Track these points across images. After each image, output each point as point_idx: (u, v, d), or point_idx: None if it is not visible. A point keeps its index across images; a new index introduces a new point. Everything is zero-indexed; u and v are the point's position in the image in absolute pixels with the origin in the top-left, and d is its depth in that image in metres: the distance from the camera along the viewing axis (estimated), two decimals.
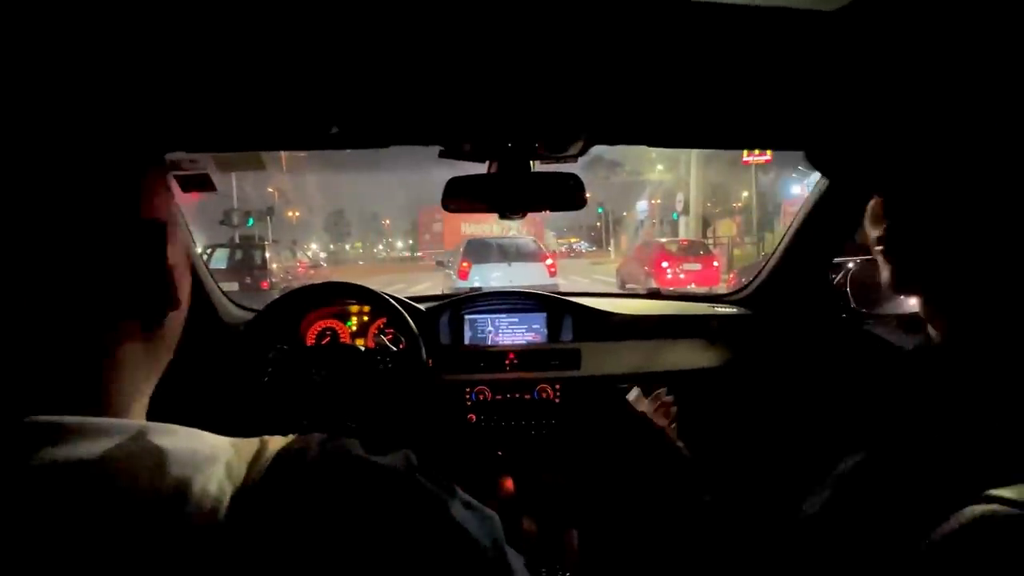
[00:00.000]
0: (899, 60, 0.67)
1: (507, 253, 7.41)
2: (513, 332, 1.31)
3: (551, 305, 1.32)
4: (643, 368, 1.25)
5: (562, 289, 1.88)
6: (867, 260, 1.36)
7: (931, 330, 0.52)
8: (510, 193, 1.01)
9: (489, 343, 1.30)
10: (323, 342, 1.26)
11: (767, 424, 1.25)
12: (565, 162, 1.00)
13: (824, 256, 1.26)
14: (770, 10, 0.62)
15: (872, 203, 0.53)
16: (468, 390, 1.23)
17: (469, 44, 0.63)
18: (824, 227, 1.21)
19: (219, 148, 0.98)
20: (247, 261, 8.72)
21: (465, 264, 7.16)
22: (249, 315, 1.29)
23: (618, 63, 0.72)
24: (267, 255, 8.85)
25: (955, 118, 0.49)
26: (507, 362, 1.25)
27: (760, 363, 1.30)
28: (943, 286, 0.48)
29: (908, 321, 1.27)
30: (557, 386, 1.24)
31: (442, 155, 1.00)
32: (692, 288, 10.17)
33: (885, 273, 0.53)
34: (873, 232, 0.53)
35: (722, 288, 9.94)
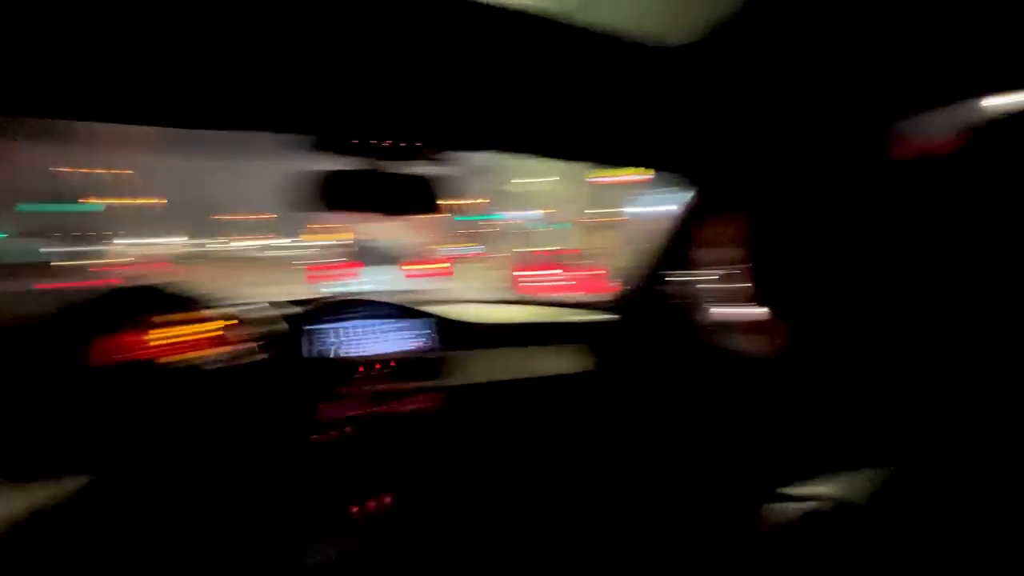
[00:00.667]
0: (746, 89, 0.73)
1: (376, 255, 7.26)
2: (382, 341, 1.21)
3: (411, 313, 1.24)
4: (512, 376, 1.23)
5: (445, 295, 1.83)
6: (721, 270, 1.49)
7: (773, 338, 0.55)
8: (360, 191, 0.94)
9: (339, 354, 1.18)
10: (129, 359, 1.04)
11: (636, 425, 1.30)
12: (433, 164, 0.96)
13: (684, 265, 1.35)
14: (630, 41, 0.63)
15: (734, 222, 0.55)
16: (314, 408, 1.11)
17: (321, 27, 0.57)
18: (685, 239, 1.30)
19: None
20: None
21: (353, 267, 6.89)
22: None
23: (474, 72, 0.70)
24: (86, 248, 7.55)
25: (791, 144, 0.53)
26: (358, 375, 1.15)
27: (628, 367, 1.35)
28: (794, 300, 0.51)
29: (752, 326, 1.40)
30: (417, 399, 1.16)
31: (315, 146, 0.90)
32: (579, 295, 10.66)
33: (744, 285, 0.55)
34: (732, 248, 0.55)
35: (606, 296, 10.63)
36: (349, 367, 1.14)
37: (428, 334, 1.23)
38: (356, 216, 0.95)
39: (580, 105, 0.82)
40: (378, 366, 1.16)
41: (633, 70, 0.70)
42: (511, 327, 1.31)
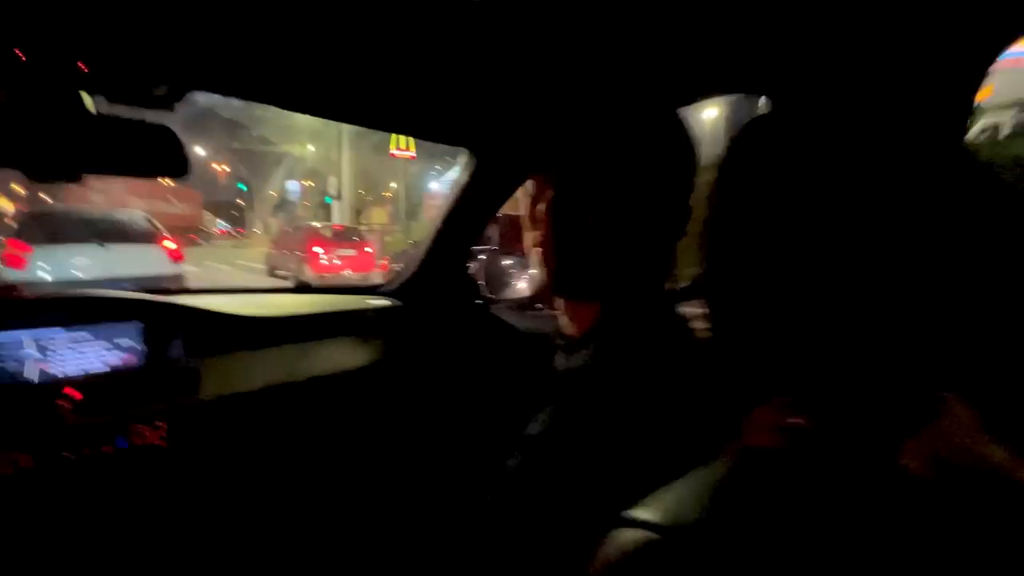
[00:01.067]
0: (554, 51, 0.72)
1: (99, 231, 5.12)
2: (82, 355, 0.88)
3: (148, 310, 0.95)
4: (284, 378, 1.06)
5: (192, 281, 1.44)
6: (493, 251, 1.56)
7: (566, 321, 0.55)
8: (49, 142, 0.64)
9: (32, 377, 0.83)
10: None
11: (428, 415, 1.27)
12: (144, 108, 0.70)
13: (465, 247, 1.35)
14: None
15: (533, 206, 0.54)
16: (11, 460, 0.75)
17: None
18: (466, 221, 1.30)
19: None
20: None
21: (16, 246, 4.80)
22: None
23: None
24: None
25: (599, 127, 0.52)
26: (64, 403, 0.83)
27: (413, 354, 1.30)
28: (599, 289, 0.51)
29: (525, 305, 1.51)
30: (162, 424, 0.90)
31: None
32: (348, 274, 10.15)
33: (540, 272, 0.54)
34: (532, 233, 0.54)
35: (376, 275, 10.33)
36: (35, 398, 0.80)
37: (173, 337, 0.95)
38: (41, 180, 0.64)
39: (350, 45, 0.69)
40: (72, 392, 0.84)
41: (416, 15, 0.61)
42: (281, 320, 1.12)
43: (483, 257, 1.48)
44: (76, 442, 0.82)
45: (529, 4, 0.60)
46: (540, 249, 0.54)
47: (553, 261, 0.53)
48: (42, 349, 0.84)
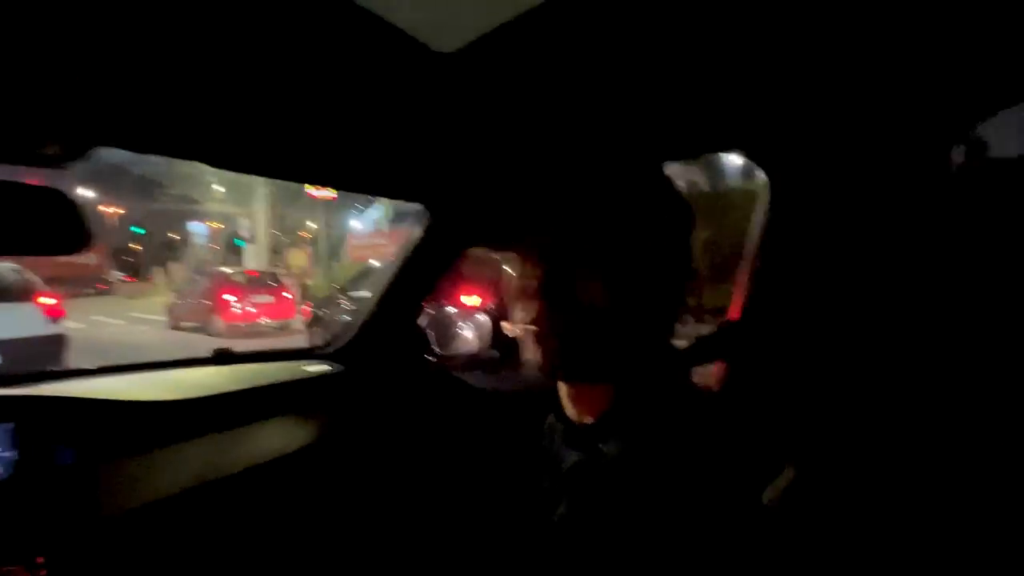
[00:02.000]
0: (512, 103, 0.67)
1: None
2: None
3: (20, 407, 0.75)
4: (213, 474, 0.88)
5: (82, 343, 1.18)
6: (441, 306, 1.47)
7: (571, 407, 0.51)
8: None
9: None
10: None
11: (384, 491, 1.12)
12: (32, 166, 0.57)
13: (415, 305, 1.25)
14: (389, 29, 0.49)
15: (522, 282, 0.47)
16: None
17: None
18: (417, 278, 1.21)
19: None
20: None
21: None
22: None
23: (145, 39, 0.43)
24: None
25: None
26: None
27: (361, 425, 1.16)
28: (613, 369, 0.47)
29: (478, 361, 1.43)
30: (39, 562, 0.69)
31: None
32: (265, 322, 9.45)
33: (534, 354, 0.48)
34: (523, 312, 0.48)
35: (296, 322, 9.68)
36: None
37: (62, 437, 0.75)
38: None
39: (298, 96, 0.61)
40: None
41: (383, 68, 0.55)
42: (201, 403, 0.94)
43: (432, 312, 1.39)
44: None
45: (497, 59, 0.56)
46: (534, 329, 0.48)
47: (554, 342, 0.47)
48: None
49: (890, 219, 0.64)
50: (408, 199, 1.11)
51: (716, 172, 7.53)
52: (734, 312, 0.77)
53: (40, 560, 0.68)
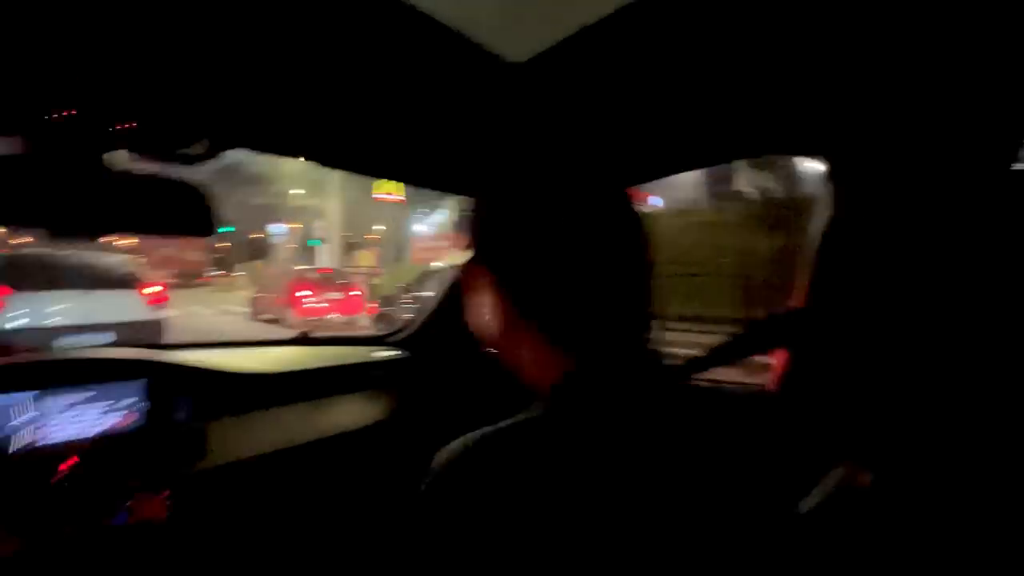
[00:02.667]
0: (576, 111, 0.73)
1: (79, 275, 4.95)
2: (82, 418, 0.83)
3: (152, 369, 0.90)
4: (294, 440, 1.00)
5: (176, 328, 1.38)
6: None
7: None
8: (70, 200, 0.62)
9: (24, 444, 0.77)
10: None
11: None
12: (169, 163, 0.69)
13: None
14: (461, 40, 0.56)
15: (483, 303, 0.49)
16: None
17: None
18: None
19: None
20: None
21: None
22: None
23: (279, 42, 0.52)
24: None
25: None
26: (62, 473, 0.76)
27: (424, 407, 1.26)
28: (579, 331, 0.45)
29: None
30: (166, 494, 0.83)
31: None
32: (335, 318, 10.01)
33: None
34: (493, 331, 0.49)
35: (365, 318, 10.19)
36: (32, 468, 0.74)
37: (178, 397, 0.90)
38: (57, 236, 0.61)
39: (392, 108, 0.69)
40: (73, 461, 0.78)
41: (463, 81, 0.62)
42: (286, 377, 1.07)
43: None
44: (75, 517, 0.75)
45: (562, 68, 0.61)
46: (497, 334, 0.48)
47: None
48: (40, 413, 0.79)
49: (956, 216, 0.62)
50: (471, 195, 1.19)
51: (791, 178, 7.16)
52: (796, 301, 0.76)
53: (167, 493, 0.82)
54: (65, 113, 0.56)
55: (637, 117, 0.74)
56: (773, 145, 0.96)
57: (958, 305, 0.59)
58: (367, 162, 0.92)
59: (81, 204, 0.61)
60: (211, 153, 0.66)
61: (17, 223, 0.62)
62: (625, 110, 0.71)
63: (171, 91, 0.57)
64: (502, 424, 0.42)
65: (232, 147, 0.70)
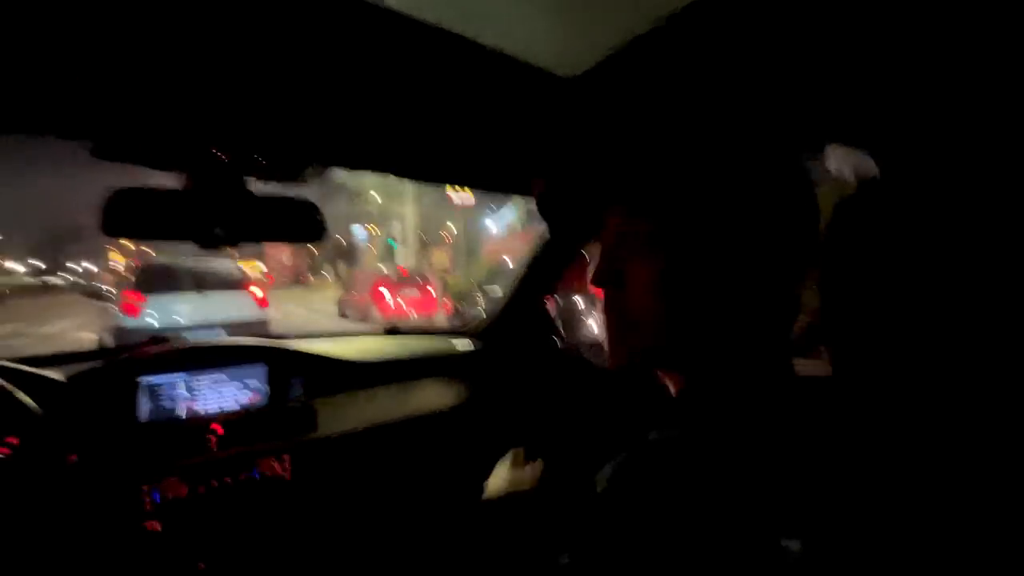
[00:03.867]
0: (627, 126, 0.79)
1: (199, 279, 5.65)
2: (220, 394, 1.01)
3: (271, 355, 1.08)
4: (386, 418, 1.15)
5: (276, 324, 1.60)
6: (567, 295, 1.61)
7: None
8: (218, 217, 0.78)
9: (182, 414, 0.96)
10: None
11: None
12: (288, 184, 0.84)
13: (544, 291, 1.42)
14: (517, 65, 0.64)
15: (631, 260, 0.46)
16: (147, 487, 0.88)
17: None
18: (546, 267, 1.37)
19: None
20: None
21: (133, 296, 5.39)
22: None
23: (371, 85, 0.63)
24: None
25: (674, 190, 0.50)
26: (211, 437, 0.95)
27: (496, 394, 1.36)
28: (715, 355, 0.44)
29: (598, 345, 1.54)
30: (286, 457, 1.00)
31: (97, 153, 0.70)
32: (413, 315, 10.54)
33: (631, 338, 0.46)
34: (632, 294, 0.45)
35: (440, 315, 10.65)
36: (190, 432, 0.94)
37: (292, 378, 1.07)
38: (204, 247, 0.78)
39: (458, 125, 0.79)
40: (218, 427, 0.96)
41: (519, 96, 0.70)
42: (379, 364, 1.22)
43: (559, 301, 1.54)
44: (222, 471, 0.93)
45: (614, 81, 0.67)
46: (639, 311, 0.44)
47: (665, 326, 0.43)
48: (190, 390, 0.98)
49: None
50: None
51: None
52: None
53: (287, 457, 0.99)
54: (220, 154, 0.72)
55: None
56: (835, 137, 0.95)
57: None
58: (441, 174, 1.03)
59: (227, 220, 0.77)
60: (319, 173, 0.81)
61: (176, 238, 0.80)
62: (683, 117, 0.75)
63: (287, 128, 0.71)
64: (655, 439, 0.40)
65: (333, 166, 0.84)
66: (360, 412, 1.12)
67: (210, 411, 0.98)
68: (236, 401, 1.02)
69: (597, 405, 1.33)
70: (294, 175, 0.81)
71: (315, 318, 12.11)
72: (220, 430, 0.96)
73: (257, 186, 0.82)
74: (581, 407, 1.35)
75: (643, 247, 0.43)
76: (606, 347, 0.47)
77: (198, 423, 0.95)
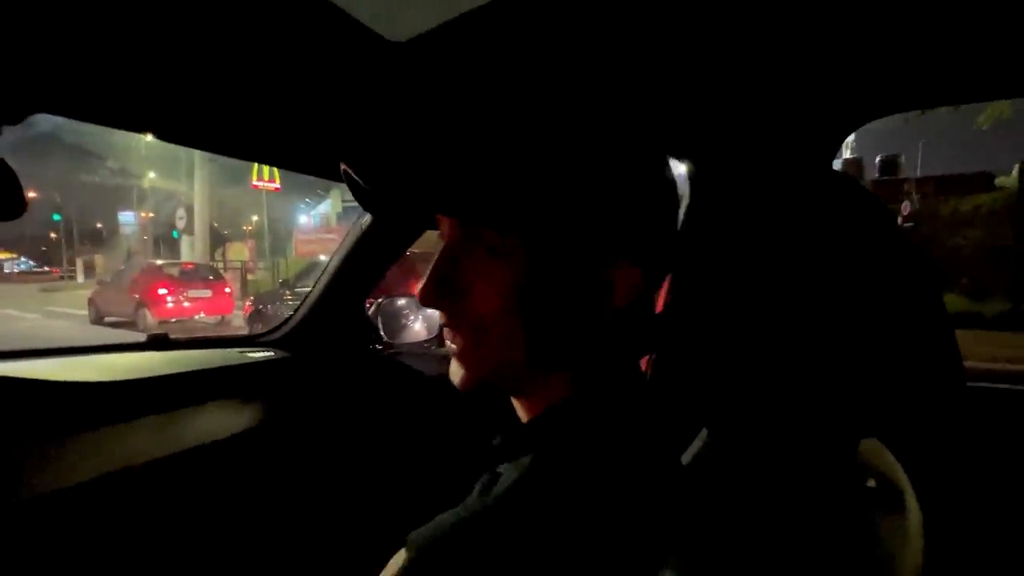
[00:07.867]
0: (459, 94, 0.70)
1: None
2: None
3: None
4: (154, 454, 0.86)
5: None
6: (389, 296, 1.48)
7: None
8: None
9: None
10: None
11: (330, 473, 1.12)
12: None
13: (363, 292, 1.26)
14: (336, 12, 0.51)
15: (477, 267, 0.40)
16: None
17: None
18: (364, 265, 1.21)
19: None
20: None
21: None
22: None
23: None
24: None
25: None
26: None
27: (305, 408, 1.16)
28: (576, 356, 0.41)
29: (424, 350, 1.45)
30: None
31: None
32: (201, 317, 8.97)
33: (481, 345, 0.40)
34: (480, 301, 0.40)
35: (237, 318, 9.24)
36: None
37: None
38: None
39: (264, 85, 0.62)
40: None
41: (341, 59, 0.57)
42: (135, 385, 0.91)
43: (381, 301, 1.40)
44: None
45: (446, 49, 0.59)
46: (486, 317, 0.39)
47: (521, 331, 0.39)
48: None
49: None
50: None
51: None
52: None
53: None
54: None
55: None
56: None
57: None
58: (226, 140, 0.81)
59: None
60: (8, 120, 0.53)
61: None
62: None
63: None
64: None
65: (45, 111, 0.56)
66: (111, 453, 0.82)
67: None
68: None
69: (432, 417, 1.24)
70: None
71: (54, 327, 9.41)
72: None
73: None
74: (412, 420, 1.24)
75: (489, 258, 0.38)
76: (455, 359, 0.41)
77: None
